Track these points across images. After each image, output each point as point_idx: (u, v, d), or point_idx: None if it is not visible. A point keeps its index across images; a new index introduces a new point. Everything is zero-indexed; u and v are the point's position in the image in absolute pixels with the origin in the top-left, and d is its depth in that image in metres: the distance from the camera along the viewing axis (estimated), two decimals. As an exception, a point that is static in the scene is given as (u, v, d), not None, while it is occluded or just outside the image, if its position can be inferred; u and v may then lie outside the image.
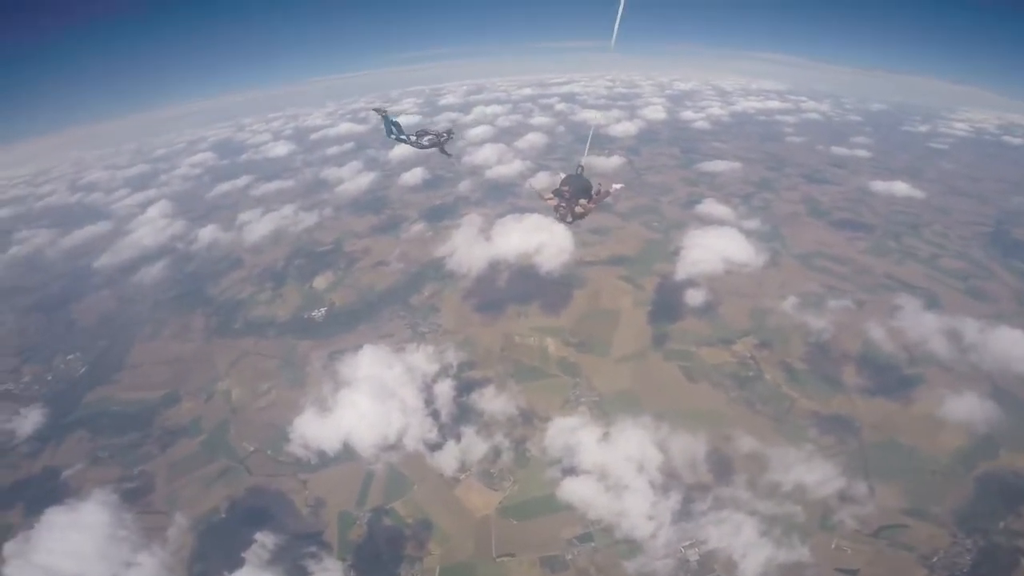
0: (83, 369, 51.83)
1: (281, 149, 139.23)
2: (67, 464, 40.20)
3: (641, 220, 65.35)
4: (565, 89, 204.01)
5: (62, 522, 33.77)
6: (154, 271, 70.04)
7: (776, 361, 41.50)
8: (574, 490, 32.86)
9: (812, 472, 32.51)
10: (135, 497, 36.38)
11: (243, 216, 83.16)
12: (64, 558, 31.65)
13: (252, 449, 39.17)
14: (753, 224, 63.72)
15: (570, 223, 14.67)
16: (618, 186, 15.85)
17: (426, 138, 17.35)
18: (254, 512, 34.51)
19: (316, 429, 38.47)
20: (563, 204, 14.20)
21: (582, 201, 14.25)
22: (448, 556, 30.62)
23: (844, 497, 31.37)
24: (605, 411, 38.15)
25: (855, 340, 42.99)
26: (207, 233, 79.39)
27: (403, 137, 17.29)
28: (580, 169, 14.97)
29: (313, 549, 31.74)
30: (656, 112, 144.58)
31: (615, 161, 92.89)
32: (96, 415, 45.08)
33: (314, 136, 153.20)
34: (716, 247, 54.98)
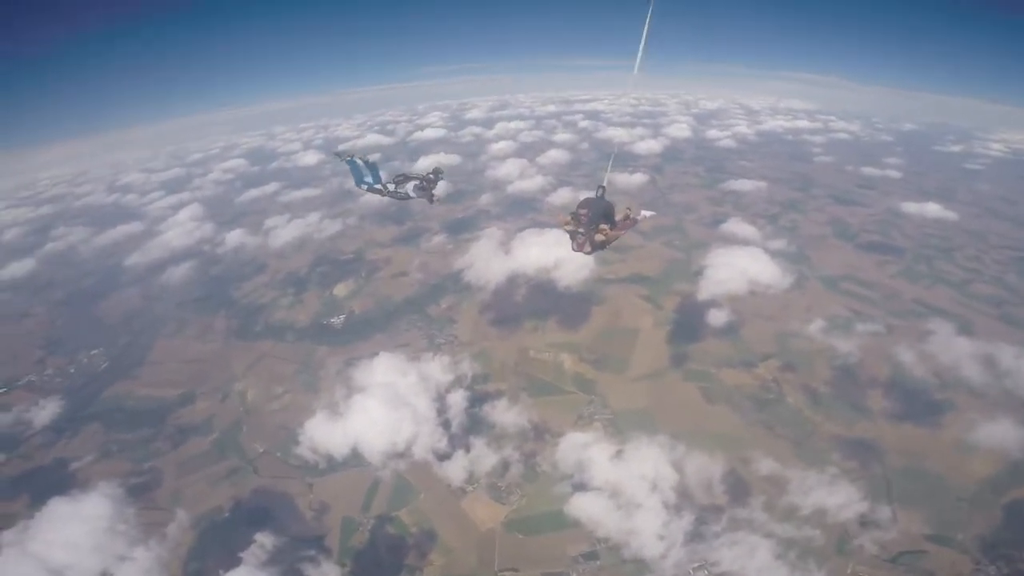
0: (105, 364, 53.51)
1: (310, 158, 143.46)
2: (77, 456, 41.24)
3: (663, 239, 64.85)
4: (589, 107, 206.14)
5: (63, 513, 34.54)
6: (180, 272, 72.37)
7: (799, 385, 40.54)
8: (583, 507, 32.37)
9: (833, 495, 31.74)
10: (140, 492, 37.10)
11: (270, 222, 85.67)
12: (58, 548, 32.20)
13: (262, 450, 39.69)
14: (779, 245, 62.79)
15: (589, 253, 12.73)
16: (648, 213, 14.20)
17: (409, 184, 14.76)
18: (257, 513, 34.88)
19: (326, 433, 38.87)
20: (580, 231, 12.51)
21: (603, 227, 12.55)
22: (449, 567, 30.40)
23: (865, 522, 30.58)
24: (619, 429, 37.63)
25: (883, 365, 41.79)
26: (234, 237, 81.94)
27: (377, 186, 14.74)
28: (601, 191, 13.25)
29: (312, 553, 31.86)
30: (681, 130, 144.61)
31: (638, 179, 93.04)
32: (112, 410, 46.35)
33: (342, 146, 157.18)
34: (740, 267, 54.17)
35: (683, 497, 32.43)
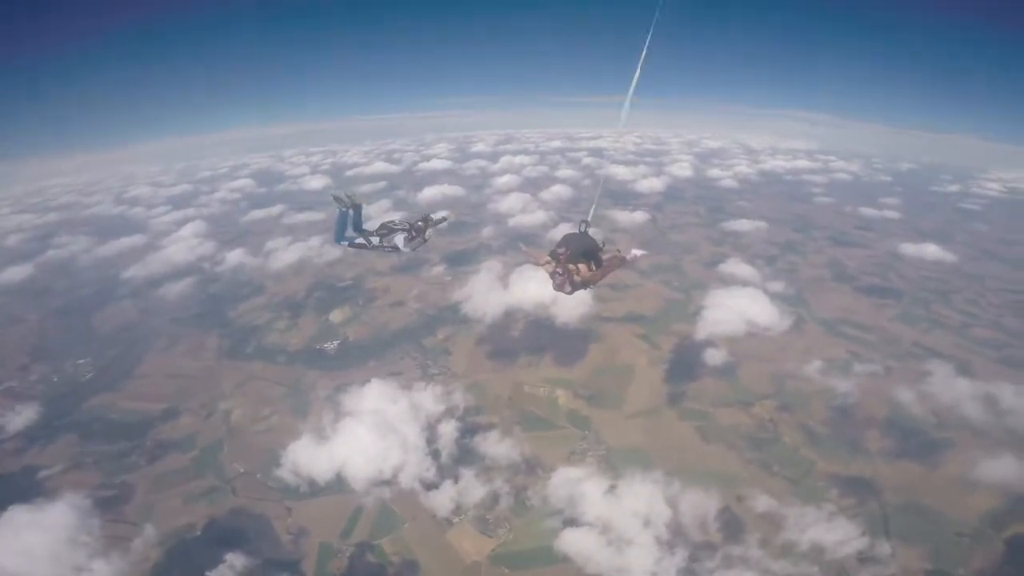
0: (90, 375, 52.92)
1: (317, 182, 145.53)
2: (47, 465, 40.40)
3: (662, 278, 65.35)
4: (593, 144, 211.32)
5: (22, 521, 33.67)
6: (178, 288, 72.57)
7: (796, 424, 40.47)
8: (573, 542, 31.65)
9: (831, 532, 31.46)
10: (109, 505, 36.16)
11: (271, 243, 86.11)
12: (12, 556, 31.51)
13: (242, 471, 38.92)
14: (778, 286, 63.12)
15: (569, 293, 11.55)
16: (639, 252, 13.10)
17: (398, 237, 12.65)
18: (231, 533, 34.01)
19: (310, 457, 38.29)
20: (559, 270, 11.41)
21: (580, 266, 11.50)
22: None
23: (863, 558, 30.28)
24: (613, 465, 37.08)
25: (881, 405, 41.97)
26: (235, 256, 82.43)
27: (359, 240, 12.91)
28: (584, 226, 12.30)
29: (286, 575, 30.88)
30: (683, 169, 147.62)
31: (639, 217, 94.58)
32: (91, 420, 45.61)
33: (349, 173, 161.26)
34: (738, 308, 54.48)
35: (676, 534, 31.84)
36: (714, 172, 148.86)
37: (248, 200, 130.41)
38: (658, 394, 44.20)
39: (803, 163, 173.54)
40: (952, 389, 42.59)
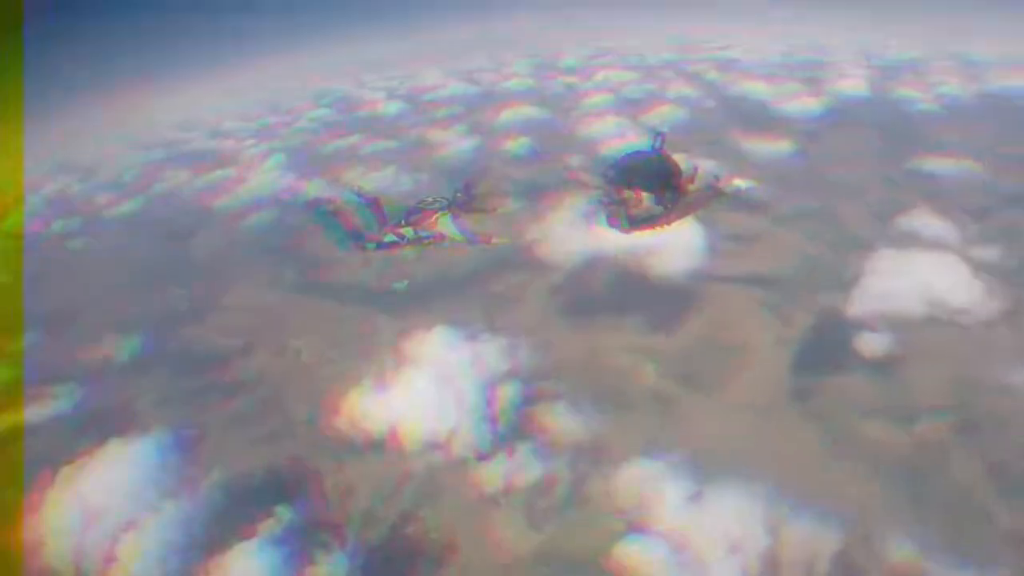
0: (184, 305, 60.02)
1: (393, 108, 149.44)
2: (143, 397, 45.06)
3: (806, 228, 54.27)
4: (721, 54, 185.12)
5: (117, 454, 37.93)
6: (260, 219, 78.27)
7: (978, 455, 30.92)
8: (634, 554, 28.28)
9: None
10: (187, 445, 39.92)
11: (348, 175, 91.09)
12: (101, 491, 35.44)
13: (304, 415, 40.97)
14: (988, 254, 49.04)
15: (626, 231, 9.89)
16: (744, 184, 11.74)
17: (435, 218, 11.00)
18: (284, 484, 36.04)
19: (369, 407, 39.06)
20: (611, 198, 9.64)
21: (642, 194, 9.20)
22: None
23: None
24: (702, 466, 32.28)
25: None
26: (314, 188, 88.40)
27: (388, 240, 11.20)
28: (658, 140, 10.18)
29: (327, 538, 32.42)
30: (854, 86, 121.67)
31: (782, 147, 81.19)
32: (181, 353, 50.46)
33: (426, 97, 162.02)
34: (921, 279, 43.80)
35: (770, 569, 27.49)
36: (905, 91, 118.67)
37: (327, 129, 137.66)
38: (779, 385, 37.59)
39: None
40: None
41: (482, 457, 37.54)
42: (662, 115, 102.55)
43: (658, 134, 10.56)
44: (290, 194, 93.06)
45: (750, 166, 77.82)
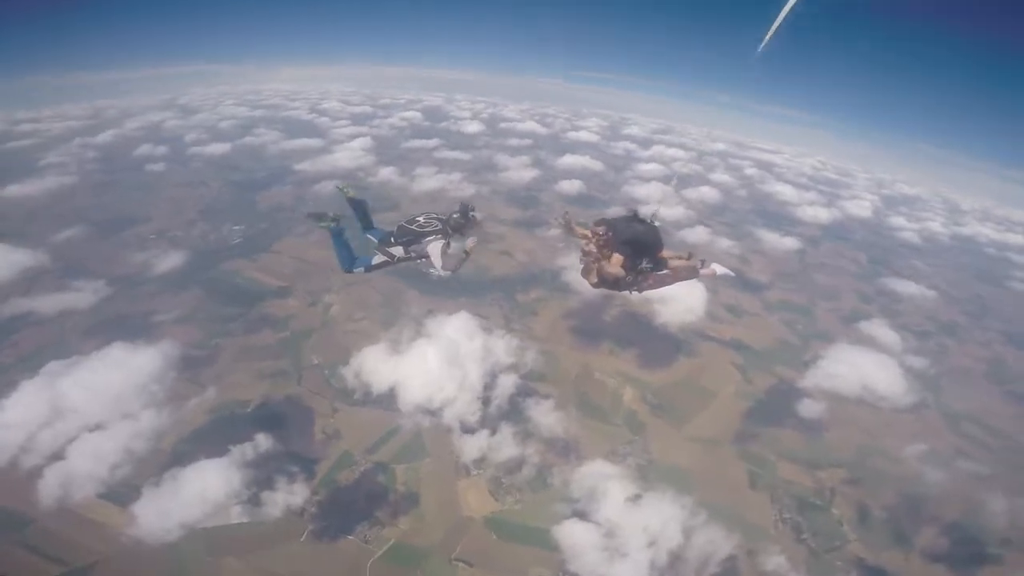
0: (237, 240, 62.30)
1: (473, 127, 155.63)
2: (165, 310, 46.07)
3: (786, 318, 58.11)
4: (764, 156, 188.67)
5: (116, 357, 36.83)
6: (331, 187, 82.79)
7: (855, 500, 35.44)
8: (572, 534, 31.04)
9: None
10: (192, 363, 39.71)
11: (419, 170, 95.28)
12: (82, 390, 33.83)
13: (316, 362, 42.06)
14: (917, 363, 52.87)
15: (594, 286, 9.72)
16: (722, 271, 10.72)
17: (432, 245, 10.13)
18: (274, 418, 36.40)
19: (376, 364, 40.42)
20: (589, 250, 9.56)
21: (615, 256, 9.11)
22: (409, 535, 30.43)
23: None
24: (649, 477, 35.41)
25: (959, 507, 35.37)
26: (386, 173, 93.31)
27: (379, 260, 10.53)
28: (652, 219, 9.71)
29: (296, 470, 32.48)
30: (860, 208, 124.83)
31: (787, 244, 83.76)
32: (220, 280, 52.70)
33: (502, 125, 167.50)
34: (861, 371, 46.90)
35: (674, 563, 29.98)
36: (897, 221, 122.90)
37: (412, 130, 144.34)
38: (729, 428, 40.51)
39: (1017, 239, 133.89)
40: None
41: (467, 430, 39.52)
42: (700, 194, 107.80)
43: (653, 213, 10.01)
44: (364, 173, 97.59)
45: (758, 253, 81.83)
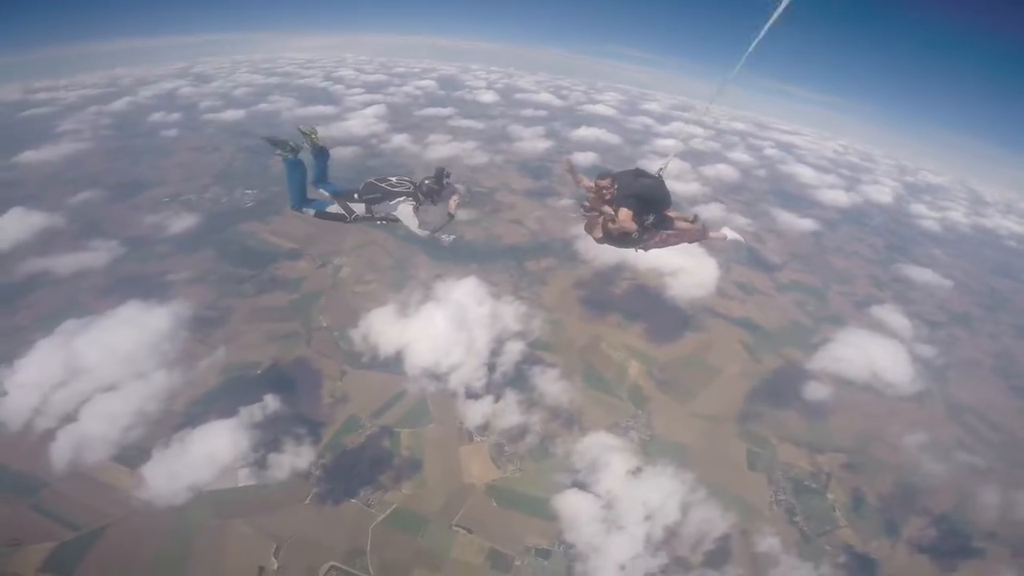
0: (250, 204, 61.96)
1: (488, 97, 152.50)
2: (178, 271, 46.05)
3: (798, 298, 56.86)
4: (785, 138, 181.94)
5: (129, 315, 36.88)
6: (345, 152, 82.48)
7: (850, 486, 35.20)
8: (570, 504, 31.05)
9: None
10: (203, 324, 39.62)
11: (432, 137, 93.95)
12: (98, 349, 33.72)
13: (325, 324, 41.95)
14: (926, 351, 51.63)
15: (598, 241, 9.34)
16: (731, 235, 10.32)
17: (397, 203, 9.45)
18: (284, 380, 36.37)
19: (384, 327, 40.21)
20: (591, 205, 9.11)
21: (621, 211, 8.60)
22: (412, 501, 30.56)
23: None
24: (650, 451, 35.31)
25: (951, 499, 35.09)
26: (399, 140, 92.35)
27: (330, 209, 9.84)
28: (660, 172, 9.30)
29: (303, 432, 32.53)
30: (881, 193, 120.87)
31: (804, 225, 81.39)
32: (232, 241, 52.59)
33: (518, 95, 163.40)
34: (870, 356, 45.80)
35: (669, 538, 30.03)
36: (918, 208, 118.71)
37: (427, 98, 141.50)
38: (733, 406, 40.07)
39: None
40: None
41: (472, 396, 39.14)
42: (717, 171, 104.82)
43: (660, 169, 9.54)
44: (378, 140, 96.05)
45: (774, 232, 79.51)
